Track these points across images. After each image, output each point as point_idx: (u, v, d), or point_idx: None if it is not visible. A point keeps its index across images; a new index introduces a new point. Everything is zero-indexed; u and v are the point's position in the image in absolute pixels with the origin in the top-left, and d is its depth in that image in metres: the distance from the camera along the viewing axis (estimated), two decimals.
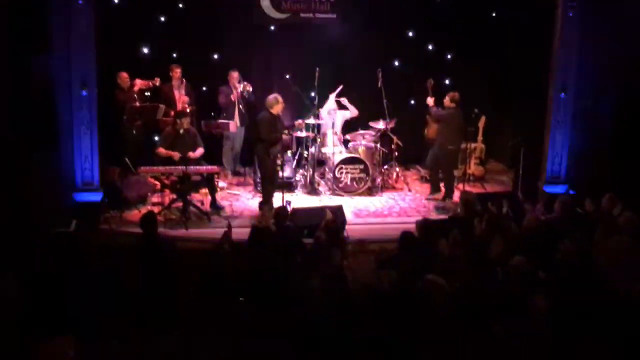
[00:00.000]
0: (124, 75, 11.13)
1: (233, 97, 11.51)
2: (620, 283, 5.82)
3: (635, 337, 4.93)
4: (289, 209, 9.28)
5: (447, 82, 12.63)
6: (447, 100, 10.82)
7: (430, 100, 11.08)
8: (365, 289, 5.85)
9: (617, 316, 5.17)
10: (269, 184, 10.22)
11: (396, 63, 12.63)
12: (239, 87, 11.46)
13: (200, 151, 10.21)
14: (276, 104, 10.09)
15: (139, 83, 11.22)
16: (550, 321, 5.04)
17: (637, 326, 5.04)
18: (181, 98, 11.40)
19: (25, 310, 4.97)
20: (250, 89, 11.49)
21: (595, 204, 8.24)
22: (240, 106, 11.61)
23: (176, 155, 9.88)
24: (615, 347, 4.82)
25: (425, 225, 7.69)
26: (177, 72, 11.46)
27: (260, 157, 10.28)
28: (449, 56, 12.77)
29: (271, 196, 10.16)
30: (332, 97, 11.74)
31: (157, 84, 11.33)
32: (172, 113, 10.84)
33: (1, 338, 4.51)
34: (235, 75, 11.57)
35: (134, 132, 10.95)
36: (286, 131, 10.82)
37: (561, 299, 5.22)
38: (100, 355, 4.46)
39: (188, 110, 10.85)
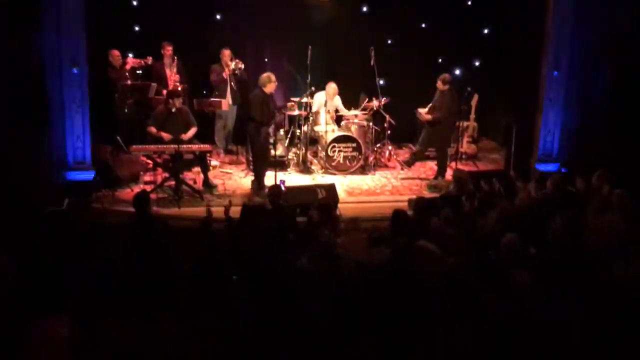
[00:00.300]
0: (116, 53, 11.09)
1: (225, 75, 11.46)
2: (612, 261, 5.85)
3: (626, 315, 4.98)
4: (283, 187, 9.29)
5: (440, 60, 12.63)
6: (439, 84, 10.78)
7: (422, 112, 11.05)
8: (359, 267, 5.87)
9: (609, 294, 5.21)
10: (261, 162, 10.21)
11: (389, 41, 12.58)
12: (231, 65, 11.40)
13: (192, 131, 10.20)
14: (269, 82, 10.05)
15: (130, 61, 11.17)
16: (535, 296, 5.09)
17: (629, 305, 5.08)
18: (172, 77, 11.35)
19: (19, 289, 4.97)
20: (242, 67, 11.43)
21: (586, 182, 8.27)
22: (232, 84, 11.56)
23: (167, 136, 9.86)
24: (606, 324, 4.86)
25: (417, 203, 7.72)
26: (168, 49, 11.39)
27: (251, 136, 10.27)
28: (440, 33, 12.71)
29: (263, 175, 10.15)
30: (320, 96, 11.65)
31: (149, 62, 11.26)
32: (164, 92, 10.80)
33: None
34: (227, 53, 11.51)
35: (126, 110, 10.90)
36: (277, 112, 10.72)
37: (551, 276, 5.25)
38: (94, 333, 4.46)
39: (180, 89, 10.81)
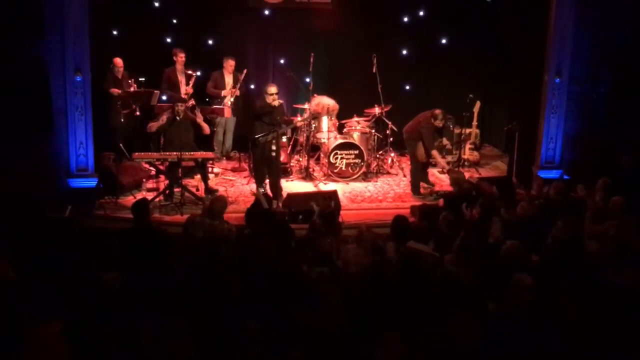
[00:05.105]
0: (119, 61, 11.04)
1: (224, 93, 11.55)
2: (610, 269, 5.86)
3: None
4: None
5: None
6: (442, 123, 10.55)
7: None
8: (364, 274, 5.88)
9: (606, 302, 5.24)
10: (256, 169, 10.19)
11: (391, 48, 12.60)
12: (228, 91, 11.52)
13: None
14: (265, 94, 9.98)
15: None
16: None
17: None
18: (184, 86, 11.33)
19: (18, 294, 4.98)
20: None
21: (588, 189, 8.28)
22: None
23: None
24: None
25: (421, 209, 7.76)
26: (181, 56, 11.39)
27: (251, 144, 10.25)
28: (443, 41, 12.76)
29: (261, 182, 10.07)
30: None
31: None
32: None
33: None
34: (232, 63, 11.55)
35: (122, 120, 10.90)
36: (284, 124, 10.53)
37: (551, 281, 5.28)
38: (89, 339, 4.47)
39: (190, 104, 10.81)
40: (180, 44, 11.64)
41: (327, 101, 11.48)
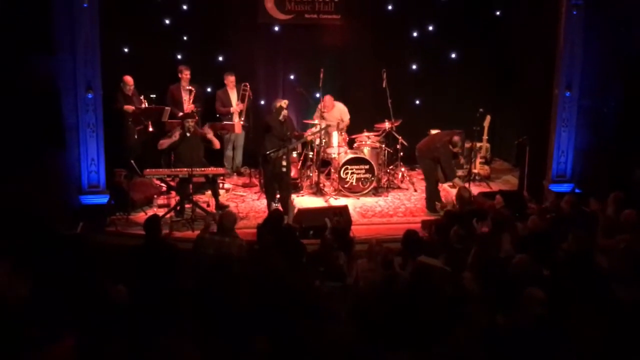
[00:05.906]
0: (129, 79, 11.08)
1: (232, 110, 11.60)
2: (621, 282, 5.83)
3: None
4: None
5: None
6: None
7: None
8: (376, 289, 5.86)
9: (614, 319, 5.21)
10: (267, 185, 10.17)
11: (400, 63, 12.62)
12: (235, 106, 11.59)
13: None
14: (274, 109, 10.01)
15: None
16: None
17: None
18: (188, 103, 11.38)
19: (30, 312, 5.00)
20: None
21: (600, 202, 8.24)
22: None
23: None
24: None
25: (436, 224, 7.75)
26: (186, 74, 11.43)
27: (261, 160, 10.23)
28: (453, 55, 12.78)
29: (272, 197, 10.07)
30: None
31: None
32: (179, 114, 10.87)
33: (6, 339, 4.54)
34: (232, 79, 11.60)
35: (136, 136, 10.94)
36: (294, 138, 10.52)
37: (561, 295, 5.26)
38: (102, 357, 4.48)
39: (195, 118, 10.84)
40: (191, 61, 11.71)
41: (341, 107, 11.69)
